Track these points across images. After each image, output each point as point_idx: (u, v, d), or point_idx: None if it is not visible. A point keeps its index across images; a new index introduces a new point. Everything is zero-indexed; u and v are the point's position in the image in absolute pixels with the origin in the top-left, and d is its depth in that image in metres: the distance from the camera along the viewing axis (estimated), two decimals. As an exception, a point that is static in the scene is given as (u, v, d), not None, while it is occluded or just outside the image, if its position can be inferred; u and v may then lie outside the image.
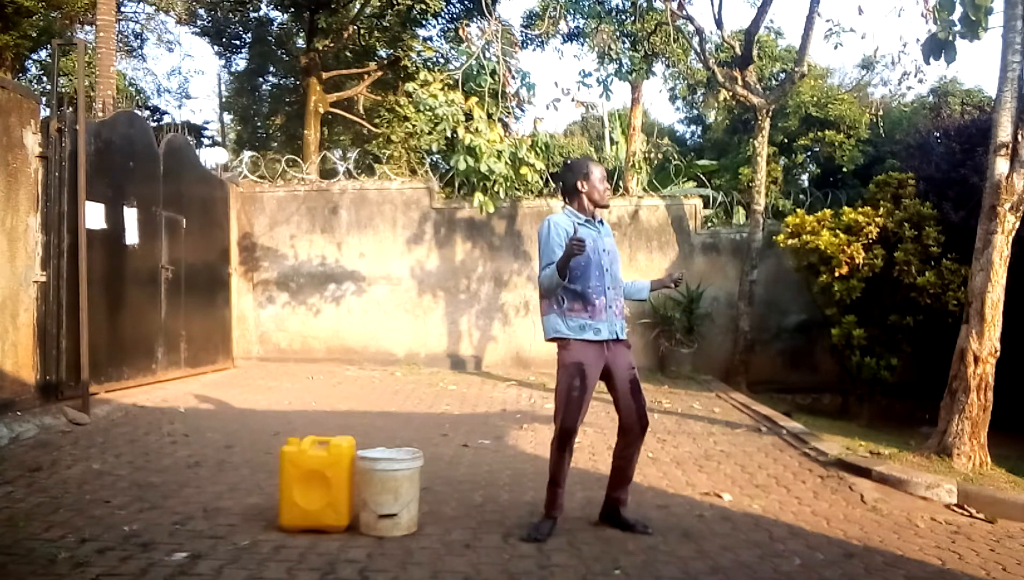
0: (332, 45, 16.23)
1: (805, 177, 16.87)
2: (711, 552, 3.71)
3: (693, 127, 23.42)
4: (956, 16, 5.61)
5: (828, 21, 11.31)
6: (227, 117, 23.99)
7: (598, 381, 3.86)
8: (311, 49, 15.83)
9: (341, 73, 17.37)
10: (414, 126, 14.09)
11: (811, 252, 8.41)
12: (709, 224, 10.89)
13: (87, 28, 16.62)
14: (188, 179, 8.97)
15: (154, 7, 17.95)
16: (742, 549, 3.78)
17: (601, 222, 4.01)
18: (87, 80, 9.20)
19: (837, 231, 8.28)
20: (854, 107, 15.92)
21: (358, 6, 15.67)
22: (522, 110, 15.15)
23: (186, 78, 34.57)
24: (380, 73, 16.97)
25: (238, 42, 18.47)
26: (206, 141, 19.98)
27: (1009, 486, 4.99)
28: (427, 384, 9.03)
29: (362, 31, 16.27)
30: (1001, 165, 5.47)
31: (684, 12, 10.54)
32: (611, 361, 3.84)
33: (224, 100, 23.54)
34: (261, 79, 20.34)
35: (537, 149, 9.27)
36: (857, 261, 8.07)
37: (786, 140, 16.24)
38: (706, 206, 10.98)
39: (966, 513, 4.60)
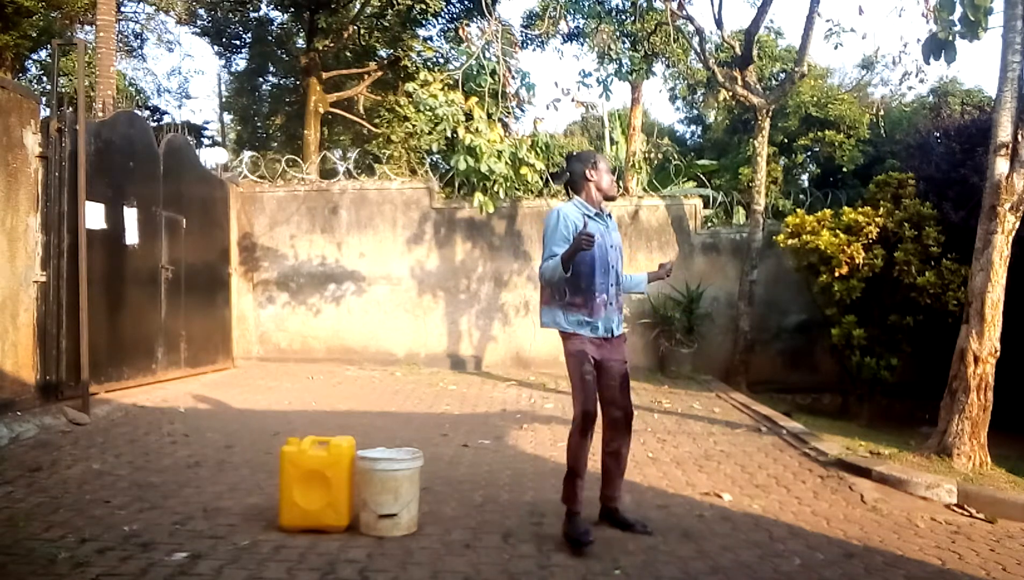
0: (332, 45, 16.23)
1: (805, 177, 16.87)
2: (711, 552, 3.71)
3: (693, 127, 23.44)
4: (956, 16, 5.61)
5: (828, 21, 11.33)
6: (227, 117, 24.00)
7: None
8: (311, 49, 15.83)
9: (341, 73, 17.37)
10: (414, 126, 14.10)
11: (811, 252, 8.41)
12: (709, 224, 10.89)
13: (87, 28, 16.62)
14: (188, 179, 8.97)
15: (154, 7, 17.95)
16: (742, 549, 3.78)
17: (609, 216, 4.00)
18: (87, 80, 9.20)
19: (837, 231, 8.28)
20: (854, 107, 15.92)
21: (358, 6, 15.67)
22: (522, 110, 15.16)
23: (186, 78, 34.64)
24: (380, 73, 16.97)
25: (238, 42, 18.47)
26: (206, 141, 20.00)
27: (1009, 486, 4.99)
28: (427, 384, 9.04)
29: (362, 31, 16.26)
30: (1001, 165, 5.47)
31: (684, 12, 10.54)
32: (605, 355, 3.86)
33: (224, 100, 23.55)
34: (261, 79, 20.34)
35: (537, 149, 9.27)
36: (857, 261, 8.07)
37: (786, 140, 16.24)
38: (706, 206, 10.98)
39: (966, 513, 4.60)
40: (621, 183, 12.11)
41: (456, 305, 10.64)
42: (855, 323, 8.23)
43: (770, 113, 10.23)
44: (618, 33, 10.94)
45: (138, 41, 19.42)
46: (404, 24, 15.42)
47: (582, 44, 12.81)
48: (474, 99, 9.02)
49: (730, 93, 10.79)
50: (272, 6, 16.84)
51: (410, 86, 9.98)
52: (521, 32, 13.59)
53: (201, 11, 17.49)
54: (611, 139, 18.13)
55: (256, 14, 17.38)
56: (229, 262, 10.20)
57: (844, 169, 15.10)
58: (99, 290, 7.05)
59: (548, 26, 12.22)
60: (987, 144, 5.71)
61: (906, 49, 9.37)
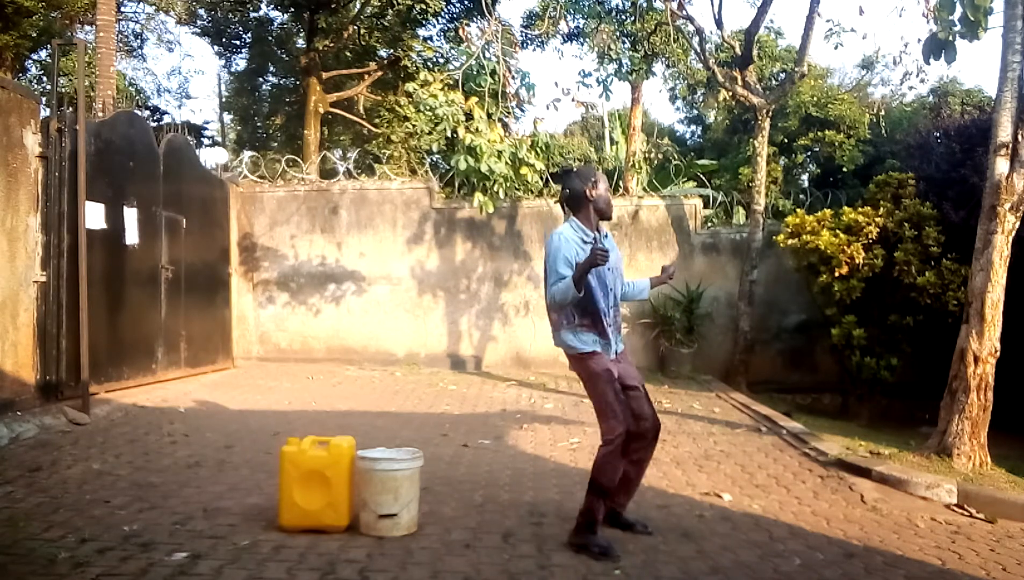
0: (332, 45, 16.23)
1: (805, 177, 16.87)
2: (711, 552, 3.72)
3: (693, 127, 23.43)
4: (956, 16, 5.61)
5: (828, 21, 11.35)
6: (227, 117, 24.00)
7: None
8: (311, 49, 15.83)
9: (341, 73, 17.37)
10: (414, 126, 14.09)
11: (811, 252, 8.41)
12: (709, 224, 10.89)
13: (87, 28, 16.62)
14: (188, 179, 8.97)
15: (154, 7, 17.95)
16: (742, 549, 3.78)
17: (607, 236, 3.87)
18: (87, 80, 9.20)
19: (837, 231, 8.27)
20: (854, 107, 15.92)
21: (358, 6, 15.67)
22: (522, 110, 15.16)
23: (186, 78, 34.62)
24: (380, 73, 16.97)
25: (238, 42, 18.47)
26: (206, 141, 19.99)
27: (1009, 486, 4.99)
28: (427, 384, 9.04)
29: (362, 31, 16.26)
30: (1001, 165, 5.47)
31: (684, 12, 10.54)
32: (622, 371, 3.81)
33: (224, 100, 23.55)
34: (261, 79, 20.35)
35: (537, 149, 9.26)
36: (857, 261, 8.07)
37: (786, 140, 16.24)
38: (706, 206, 10.98)
39: (966, 513, 4.60)
40: (621, 183, 12.12)
41: (456, 305, 10.64)
42: (855, 323, 8.23)
43: (770, 113, 10.23)
44: (618, 33, 10.94)
45: (138, 41, 19.46)
46: (404, 24, 15.42)
47: (582, 44, 12.82)
48: (474, 99, 9.02)
49: (730, 93, 10.79)
50: (272, 6, 16.84)
51: (410, 86, 9.98)
52: (521, 32, 13.60)
53: (201, 11, 17.49)
54: (611, 139, 18.14)
55: (256, 14, 17.39)
56: (229, 262, 10.20)
57: (844, 169, 15.10)
58: (99, 290, 7.05)
59: (548, 26, 12.22)
60: (987, 144, 5.72)
61: (907, 49, 9.34)
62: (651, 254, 10.42)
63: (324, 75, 16.14)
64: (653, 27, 11.31)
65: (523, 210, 10.60)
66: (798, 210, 9.25)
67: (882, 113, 11.80)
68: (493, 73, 9.22)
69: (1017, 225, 5.51)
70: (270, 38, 18.43)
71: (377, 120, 17.38)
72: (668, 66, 14.62)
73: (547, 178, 9.76)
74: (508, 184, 9.21)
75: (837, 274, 8.15)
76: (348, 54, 17.52)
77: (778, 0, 26.98)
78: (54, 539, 3.58)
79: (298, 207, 10.81)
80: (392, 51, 16.55)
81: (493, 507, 4.31)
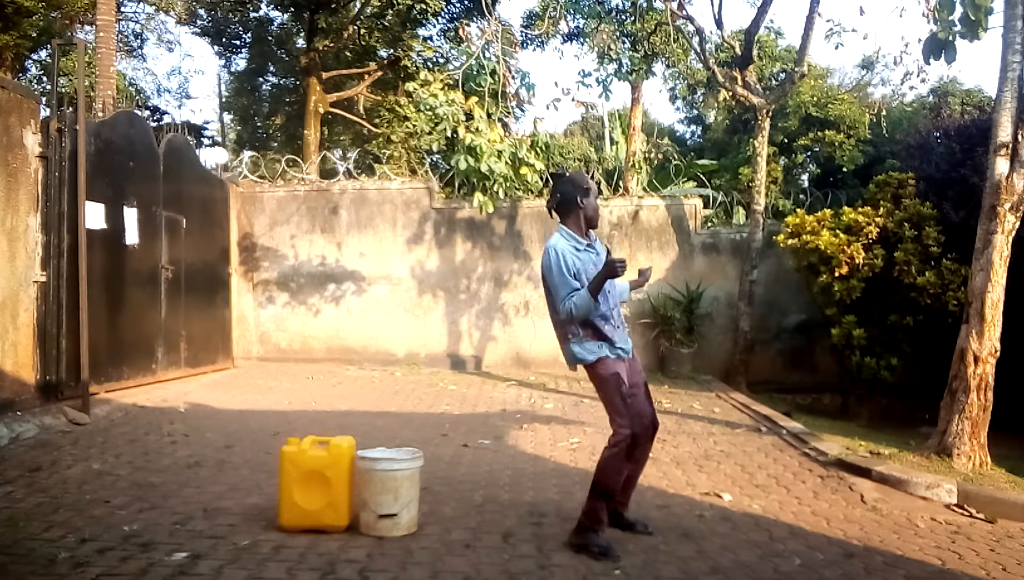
0: (332, 45, 16.23)
1: (805, 177, 16.86)
2: (711, 552, 3.72)
3: (693, 127, 23.43)
4: (956, 16, 5.61)
5: (828, 21, 11.33)
6: (227, 117, 24.00)
7: None
8: (311, 49, 15.83)
9: (341, 73, 17.37)
10: (414, 126, 14.08)
11: (811, 252, 8.41)
12: (709, 224, 10.89)
13: (87, 28, 16.62)
14: (188, 179, 8.97)
15: (154, 7, 17.95)
16: (742, 549, 3.78)
17: (596, 241, 3.89)
18: (87, 80, 9.20)
19: (837, 231, 8.27)
20: (854, 107, 15.92)
21: (358, 6, 15.67)
22: (522, 110, 15.15)
23: (186, 78, 34.62)
24: (380, 73, 16.97)
25: (238, 42, 18.47)
26: (206, 141, 19.99)
27: (1009, 486, 4.99)
28: (427, 384, 9.04)
29: (362, 31, 16.26)
30: (1001, 165, 5.47)
31: (684, 12, 10.54)
32: (630, 372, 3.83)
33: (224, 100, 23.55)
34: (261, 79, 20.34)
35: (537, 149, 9.26)
36: (857, 261, 8.07)
37: (786, 140, 16.24)
38: (706, 206, 10.98)
39: (966, 513, 4.60)
40: (621, 183, 12.12)
41: (456, 305, 10.64)
42: (855, 323, 8.23)
43: (770, 113, 10.23)
44: (618, 33, 10.94)
45: (138, 41, 19.45)
46: (404, 24, 15.42)
47: (582, 44, 12.81)
48: (474, 99, 9.02)
49: (730, 93, 10.79)
50: (272, 6, 16.84)
51: (410, 86, 9.98)
52: (521, 32, 13.60)
53: (201, 11, 17.49)
54: (611, 139, 18.12)
55: (256, 14, 17.38)
56: (229, 262, 10.20)
57: (844, 169, 15.10)
58: (99, 290, 7.05)
59: (548, 26, 12.21)
60: (987, 144, 5.72)
61: (907, 49, 9.33)
62: (651, 254, 10.41)
63: (324, 75, 16.14)
64: (653, 27, 11.31)
65: (523, 210, 10.60)
66: (798, 210, 9.25)
67: (883, 113, 11.77)
68: (493, 73, 9.22)
69: (1017, 225, 5.51)
70: (270, 38, 18.43)
71: (377, 120, 17.38)
72: (668, 66, 14.61)
73: (547, 178, 9.76)
74: (508, 184, 9.22)
75: (837, 274, 8.15)
76: (348, 54, 17.52)
77: (778, 0, 26.98)
78: (54, 539, 3.58)
79: (298, 207, 10.81)
80: (392, 51, 16.55)
81: (493, 507, 4.31)
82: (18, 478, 4.60)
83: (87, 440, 5.64)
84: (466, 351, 10.61)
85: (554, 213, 3.92)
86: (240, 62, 19.65)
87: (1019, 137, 5.41)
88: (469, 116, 9.00)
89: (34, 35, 15.73)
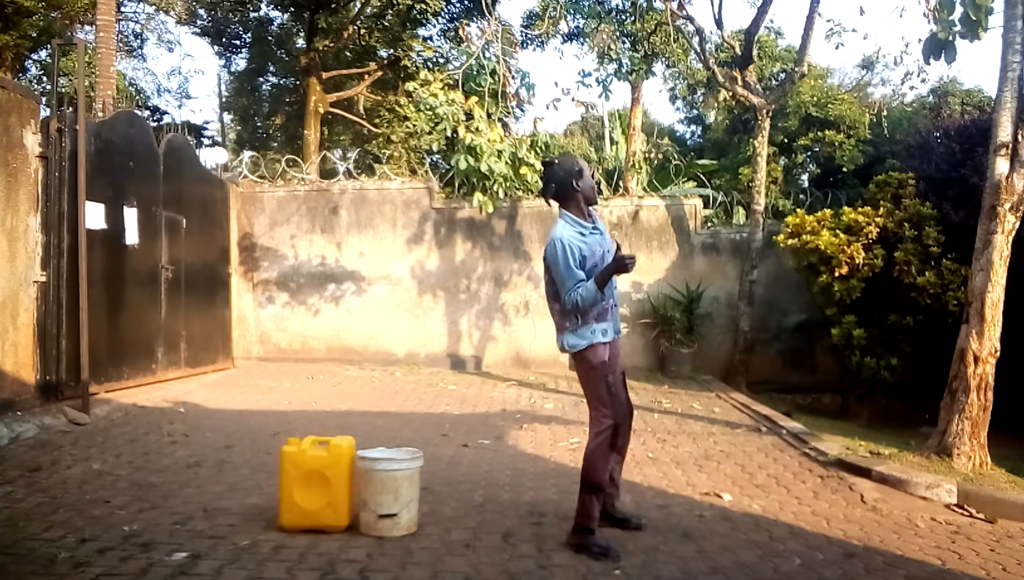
0: (332, 45, 16.23)
1: (805, 177, 16.86)
2: (711, 552, 3.72)
3: (693, 127, 23.43)
4: (956, 16, 5.61)
5: (829, 21, 11.32)
6: (227, 117, 24.00)
7: None
8: (311, 49, 15.83)
9: (341, 73, 17.37)
10: (414, 126, 14.08)
11: (811, 252, 8.41)
12: (709, 224, 10.89)
13: (87, 28, 16.62)
14: (188, 179, 8.97)
15: (154, 7, 17.95)
16: (742, 549, 3.78)
17: (597, 218, 3.91)
18: (87, 80, 9.20)
19: (837, 231, 8.28)
20: (854, 107, 15.92)
21: (358, 6, 15.67)
22: (522, 110, 15.15)
23: (186, 78, 34.66)
24: (380, 73, 16.97)
25: (238, 42, 18.47)
26: (206, 141, 20.00)
27: (1009, 486, 4.99)
28: (427, 384, 9.04)
29: (362, 31, 16.26)
30: (1001, 165, 5.47)
31: (684, 12, 10.54)
32: (612, 355, 3.83)
33: (224, 100, 23.55)
34: (261, 79, 20.35)
35: (537, 149, 9.26)
36: (857, 261, 8.07)
37: (786, 140, 16.24)
38: (706, 206, 10.98)
39: (966, 513, 4.60)
40: (621, 183, 12.12)
41: (456, 305, 10.64)
42: (855, 323, 8.23)
43: (770, 113, 10.23)
44: (618, 33, 10.94)
45: (138, 41, 19.46)
46: (404, 24, 15.42)
47: (582, 44, 12.81)
48: (474, 99, 9.02)
49: (730, 93, 10.79)
50: (272, 6, 16.84)
51: (410, 85, 9.98)
52: (521, 32, 13.60)
53: (201, 11, 17.50)
54: (611, 139, 18.13)
55: (256, 14, 17.39)
56: (229, 262, 10.20)
57: (844, 169, 15.10)
58: (99, 290, 7.05)
59: (548, 26, 12.21)
60: (987, 144, 5.72)
61: (908, 49, 9.33)
62: (651, 254, 10.42)
63: (324, 75, 16.14)
64: (653, 27, 11.31)
65: (523, 210, 10.60)
66: (798, 210, 9.25)
67: (883, 113, 11.77)
68: (493, 73, 9.22)
69: (1017, 225, 5.51)
70: (270, 38, 18.43)
71: (377, 120, 17.38)
72: (668, 66, 14.61)
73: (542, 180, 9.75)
74: (508, 184, 9.22)
75: (837, 274, 8.15)
76: (348, 54, 17.52)
77: (778, 0, 26.98)
78: (54, 539, 3.58)
79: (298, 207, 10.81)
80: (392, 51, 16.55)
81: (493, 507, 4.31)
82: (18, 478, 4.60)
83: (87, 440, 5.64)
84: (466, 351, 10.61)
85: (551, 202, 3.92)
86: (240, 62, 19.68)
87: (1019, 137, 5.41)
88: (469, 116, 9.00)
89: (34, 35, 15.73)
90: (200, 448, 5.56)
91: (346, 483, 3.77)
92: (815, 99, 16.07)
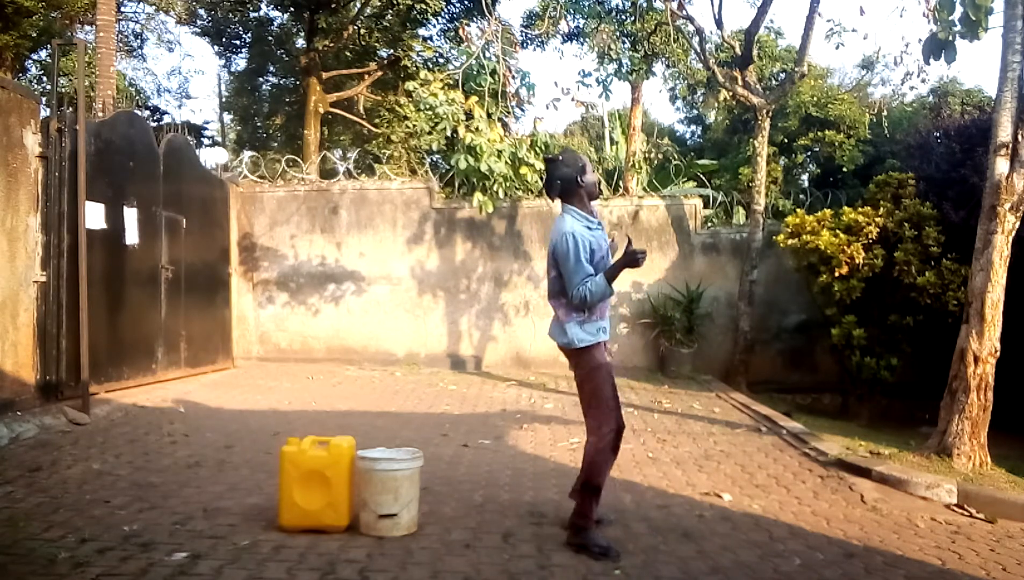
0: (332, 45, 16.23)
1: (805, 177, 16.87)
2: (711, 552, 3.72)
3: (693, 127, 23.44)
4: (956, 16, 5.61)
5: (829, 21, 11.32)
6: (227, 117, 24.00)
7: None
8: (311, 49, 15.83)
9: (341, 73, 17.37)
10: (414, 126, 14.08)
11: (811, 252, 8.41)
12: (709, 224, 10.89)
13: (87, 28, 16.63)
14: (188, 179, 8.97)
15: (154, 7, 17.96)
16: (742, 549, 3.78)
17: (595, 213, 3.91)
18: (87, 80, 9.20)
19: (837, 231, 8.28)
20: (854, 107, 15.92)
21: (358, 6, 15.67)
22: (522, 110, 15.15)
23: (186, 78, 34.67)
24: (380, 73, 16.97)
25: (238, 42, 18.48)
26: (206, 141, 20.00)
27: (1009, 486, 4.99)
28: (427, 384, 9.04)
29: (362, 31, 16.26)
30: (1001, 165, 5.47)
31: (684, 12, 10.54)
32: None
33: (224, 100, 23.56)
34: (261, 79, 20.35)
35: (537, 149, 9.26)
36: (857, 261, 8.07)
37: (786, 140, 16.24)
38: (706, 206, 10.98)
39: (966, 513, 4.60)
40: (621, 183, 12.12)
41: (456, 305, 10.64)
42: (855, 323, 8.23)
43: (770, 113, 10.23)
44: (618, 33, 10.93)
45: (138, 41, 19.46)
46: (404, 24, 15.42)
47: (582, 44, 12.80)
48: (474, 99, 9.02)
49: (730, 93, 10.79)
50: (272, 6, 16.84)
51: (410, 85, 9.98)
52: (521, 32, 13.60)
53: (201, 11, 17.50)
54: (611, 139, 18.12)
55: (256, 14, 17.39)
56: (229, 262, 10.20)
57: (844, 169, 15.10)
58: (99, 290, 7.05)
59: (548, 26, 12.21)
60: (987, 144, 5.72)
61: (908, 49, 9.35)
62: (651, 254, 10.24)
63: (324, 75, 16.14)
64: (653, 27, 11.31)
65: (523, 210, 10.61)
66: (798, 210, 9.25)
67: (883, 113, 11.78)
68: (493, 73, 9.22)
69: (1017, 225, 5.51)
70: (270, 38, 18.43)
71: (377, 120, 17.38)
72: (668, 66, 14.60)
73: (544, 177, 9.75)
74: (508, 184, 9.22)
75: (837, 274, 8.15)
76: (348, 54, 17.52)
77: (778, 0, 26.98)
78: (54, 539, 3.58)
79: (298, 207, 10.81)
80: (392, 51, 16.55)
81: (493, 507, 4.31)
82: (18, 478, 4.59)
83: (87, 440, 5.64)
84: (466, 351, 10.61)
85: (555, 198, 3.90)
86: (240, 62, 19.69)
87: (1019, 137, 5.41)
88: (469, 116, 9.00)
89: (34, 35, 15.73)
90: (200, 448, 5.56)
91: (346, 483, 3.77)
92: (815, 99, 16.07)
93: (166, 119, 18.07)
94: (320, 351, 10.62)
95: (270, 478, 4.54)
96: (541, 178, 9.52)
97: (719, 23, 10.50)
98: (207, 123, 22.20)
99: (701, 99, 19.41)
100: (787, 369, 10.10)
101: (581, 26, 11.92)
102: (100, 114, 8.59)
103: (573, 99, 10.12)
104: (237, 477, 4.81)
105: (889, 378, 8.33)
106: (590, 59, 17.44)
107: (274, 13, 17.48)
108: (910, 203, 8.23)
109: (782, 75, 14.76)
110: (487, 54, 9.70)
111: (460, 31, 11.74)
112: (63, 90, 10.56)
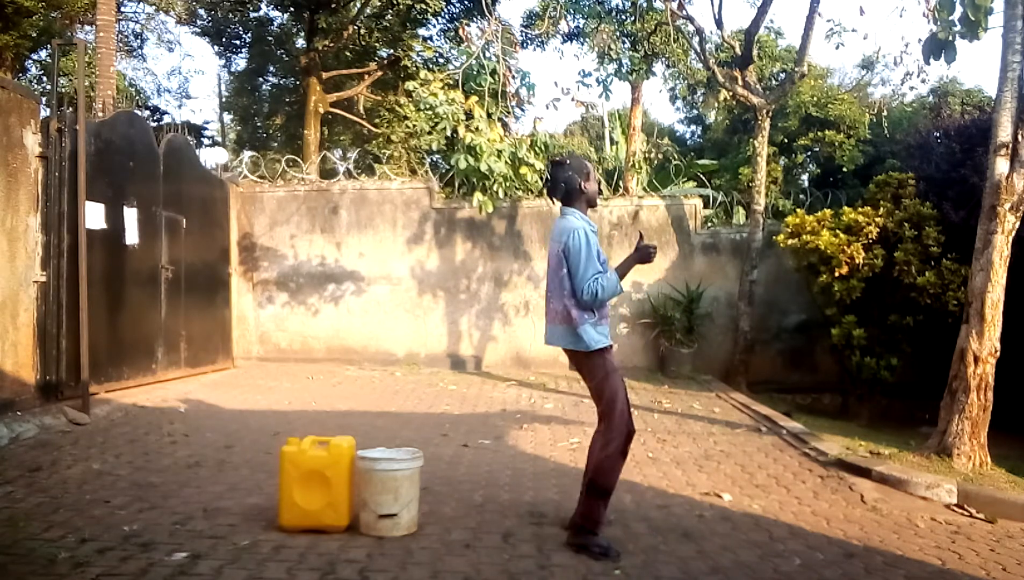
0: (332, 45, 16.23)
1: (805, 177, 16.87)
2: (711, 552, 3.72)
3: (693, 127, 23.44)
4: (956, 16, 5.61)
5: (828, 21, 11.33)
6: (227, 117, 24.00)
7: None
8: (311, 49, 15.83)
9: (341, 73, 17.37)
10: (414, 126, 14.09)
11: (811, 252, 8.41)
12: (709, 224, 10.89)
13: (87, 28, 16.63)
14: (188, 179, 8.97)
15: (154, 7, 17.95)
16: (742, 549, 3.78)
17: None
18: (87, 80, 9.20)
19: (837, 231, 8.28)
20: (854, 107, 15.92)
21: (358, 6, 15.67)
22: (522, 110, 15.15)
23: (186, 78, 34.69)
24: (380, 73, 16.97)
25: (238, 42, 18.48)
26: (206, 141, 20.00)
27: (1009, 486, 4.99)
28: (427, 384, 9.04)
29: (362, 31, 16.27)
30: (1001, 165, 5.47)
31: (684, 12, 10.54)
32: None
33: (224, 100, 23.56)
34: (261, 79, 20.35)
35: (537, 149, 9.26)
36: (857, 261, 8.07)
37: (786, 140, 16.24)
38: (706, 206, 10.98)
39: (966, 513, 4.60)
40: (621, 183, 12.12)
41: (456, 305, 10.64)
42: (855, 323, 8.23)
43: (770, 113, 10.23)
44: (618, 33, 10.94)
45: (138, 41, 19.46)
46: (404, 24, 15.43)
47: (582, 44, 12.80)
48: (474, 98, 9.02)
49: (730, 93, 10.79)
50: (272, 6, 16.84)
51: (410, 85, 9.99)
52: (521, 32, 13.60)
53: (201, 11, 17.50)
54: (611, 139, 18.13)
55: (256, 14, 17.39)
56: (229, 262, 10.20)
57: (844, 169, 15.10)
58: (99, 290, 7.05)
59: (548, 26, 12.21)
60: (987, 144, 5.72)
61: (908, 49, 9.35)
62: (652, 254, 10.38)
63: (324, 75, 16.15)
64: (653, 27, 11.31)
65: (523, 210, 10.61)
66: (798, 210, 9.25)
67: (883, 113, 11.78)
68: (493, 73, 9.22)
69: (1017, 225, 5.51)
70: (270, 38, 18.44)
71: (377, 120, 17.38)
72: (668, 66, 14.60)
73: (546, 177, 9.75)
74: (508, 184, 9.22)
75: (837, 274, 8.15)
76: (348, 54, 17.52)
77: (778, 0, 26.98)
78: (54, 539, 3.58)
79: (298, 207, 10.81)
80: (392, 51, 16.55)
81: (493, 507, 4.31)
82: (18, 478, 4.59)
83: (87, 440, 5.64)
84: (466, 351, 10.61)
85: (556, 200, 3.90)
86: (240, 62, 19.69)
87: (1019, 137, 5.41)
88: (469, 116, 9.00)
89: (34, 35, 15.73)
90: (200, 448, 5.56)
91: (346, 483, 3.77)
92: (815, 99, 16.07)
93: (166, 119, 18.08)
94: (320, 351, 10.62)
95: (270, 478, 4.54)
96: (541, 178, 9.53)
97: (719, 23, 10.50)
98: (207, 123, 22.24)
99: (701, 99, 19.40)
100: (787, 369, 10.10)
101: (581, 26, 11.93)
102: (100, 114, 8.59)
103: (573, 99, 10.13)
104: (237, 477, 4.81)
105: (889, 378, 8.33)
106: (590, 59, 17.45)
107: (274, 13, 17.50)
108: (910, 203, 8.23)
109: (782, 75, 14.76)
110: (487, 54, 9.70)
111: (460, 31, 11.74)
112: (63, 90, 10.56)
